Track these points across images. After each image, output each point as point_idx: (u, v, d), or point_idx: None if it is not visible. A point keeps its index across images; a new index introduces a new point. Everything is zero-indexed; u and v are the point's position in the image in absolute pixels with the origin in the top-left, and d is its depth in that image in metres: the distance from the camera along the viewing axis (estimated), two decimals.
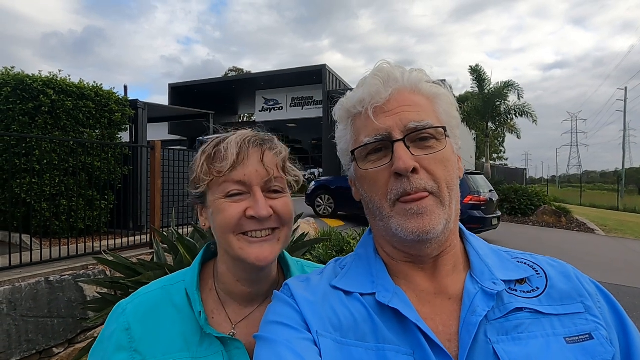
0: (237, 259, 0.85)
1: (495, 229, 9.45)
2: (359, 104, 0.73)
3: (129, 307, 0.87)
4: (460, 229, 0.77)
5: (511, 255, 0.76)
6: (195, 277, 0.90)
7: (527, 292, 0.68)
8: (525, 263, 0.74)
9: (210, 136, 0.91)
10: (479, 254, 0.73)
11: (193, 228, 3.16)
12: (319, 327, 0.67)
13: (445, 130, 0.71)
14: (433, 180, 0.67)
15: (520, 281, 0.70)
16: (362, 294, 0.70)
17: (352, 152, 0.74)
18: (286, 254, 1.00)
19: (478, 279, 0.68)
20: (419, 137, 0.69)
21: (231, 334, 0.86)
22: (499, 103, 19.82)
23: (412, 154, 0.67)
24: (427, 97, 0.73)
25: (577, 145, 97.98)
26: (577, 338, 0.62)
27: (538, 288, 0.69)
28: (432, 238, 0.66)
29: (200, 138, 0.91)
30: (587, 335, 0.63)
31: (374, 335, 0.64)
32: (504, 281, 0.67)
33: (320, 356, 0.63)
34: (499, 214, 10.22)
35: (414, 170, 0.66)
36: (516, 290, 0.68)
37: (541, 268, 0.72)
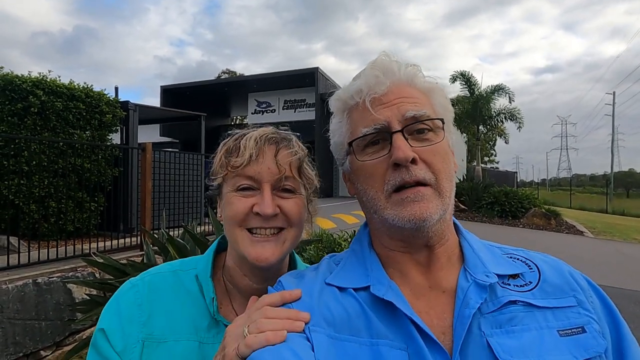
0: (239, 254, 0.86)
1: None
2: (356, 95, 0.73)
3: (140, 283, 0.88)
4: (454, 223, 0.77)
5: (503, 251, 0.77)
6: (209, 265, 0.91)
7: (521, 285, 0.68)
8: (518, 259, 0.74)
9: (235, 130, 0.92)
10: (473, 248, 0.73)
11: (183, 229, 3.15)
12: (312, 322, 0.66)
13: (443, 123, 0.72)
14: (431, 172, 0.67)
15: (514, 276, 0.70)
16: (355, 289, 0.70)
17: (350, 143, 0.74)
18: (297, 257, 1.00)
19: (471, 272, 0.68)
20: (416, 129, 0.69)
21: None
22: (486, 107, 19.86)
23: (411, 146, 0.67)
24: (422, 91, 0.73)
25: (567, 149, 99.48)
26: (570, 331, 0.63)
27: (531, 282, 0.69)
28: (429, 226, 0.66)
29: (228, 132, 0.92)
30: (580, 329, 0.63)
31: (367, 330, 0.64)
32: (497, 275, 0.68)
33: (313, 351, 0.63)
34: None
35: (413, 161, 0.65)
36: (509, 284, 0.68)
37: (534, 263, 0.73)
